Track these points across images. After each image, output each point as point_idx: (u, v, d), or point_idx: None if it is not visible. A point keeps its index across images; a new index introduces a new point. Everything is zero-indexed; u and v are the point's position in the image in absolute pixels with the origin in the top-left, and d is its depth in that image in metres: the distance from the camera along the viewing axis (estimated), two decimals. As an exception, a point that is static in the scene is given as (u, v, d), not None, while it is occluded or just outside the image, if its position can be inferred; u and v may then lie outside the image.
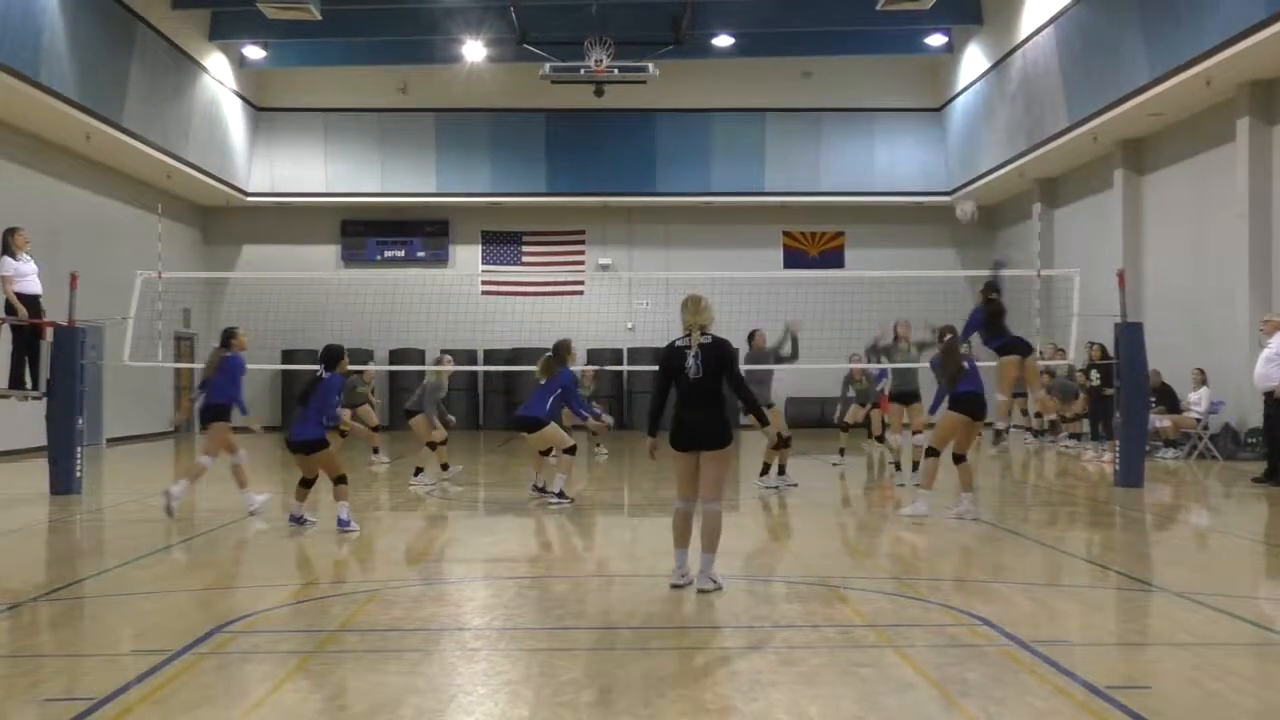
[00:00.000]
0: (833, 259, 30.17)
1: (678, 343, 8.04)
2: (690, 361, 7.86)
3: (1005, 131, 25.48)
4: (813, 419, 24.15)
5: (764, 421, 8.45)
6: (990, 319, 13.07)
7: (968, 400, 11.55)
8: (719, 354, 7.92)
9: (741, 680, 5.66)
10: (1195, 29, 17.47)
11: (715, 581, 7.82)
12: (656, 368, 8.36)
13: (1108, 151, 22.86)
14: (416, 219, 30.29)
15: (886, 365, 16.76)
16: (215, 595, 8.23)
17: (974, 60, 27.20)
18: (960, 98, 28.22)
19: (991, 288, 13.26)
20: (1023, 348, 13.31)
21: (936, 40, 27.52)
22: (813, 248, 30.50)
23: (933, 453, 11.72)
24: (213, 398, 11.97)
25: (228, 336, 12.38)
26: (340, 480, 10.80)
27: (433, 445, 15.64)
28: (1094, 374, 19.74)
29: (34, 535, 11.41)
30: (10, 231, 14.13)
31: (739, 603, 7.70)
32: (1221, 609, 7.28)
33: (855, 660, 6.05)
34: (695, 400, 7.91)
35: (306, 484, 11.11)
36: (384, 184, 29.38)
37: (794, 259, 30.16)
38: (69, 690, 5.62)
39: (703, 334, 7.95)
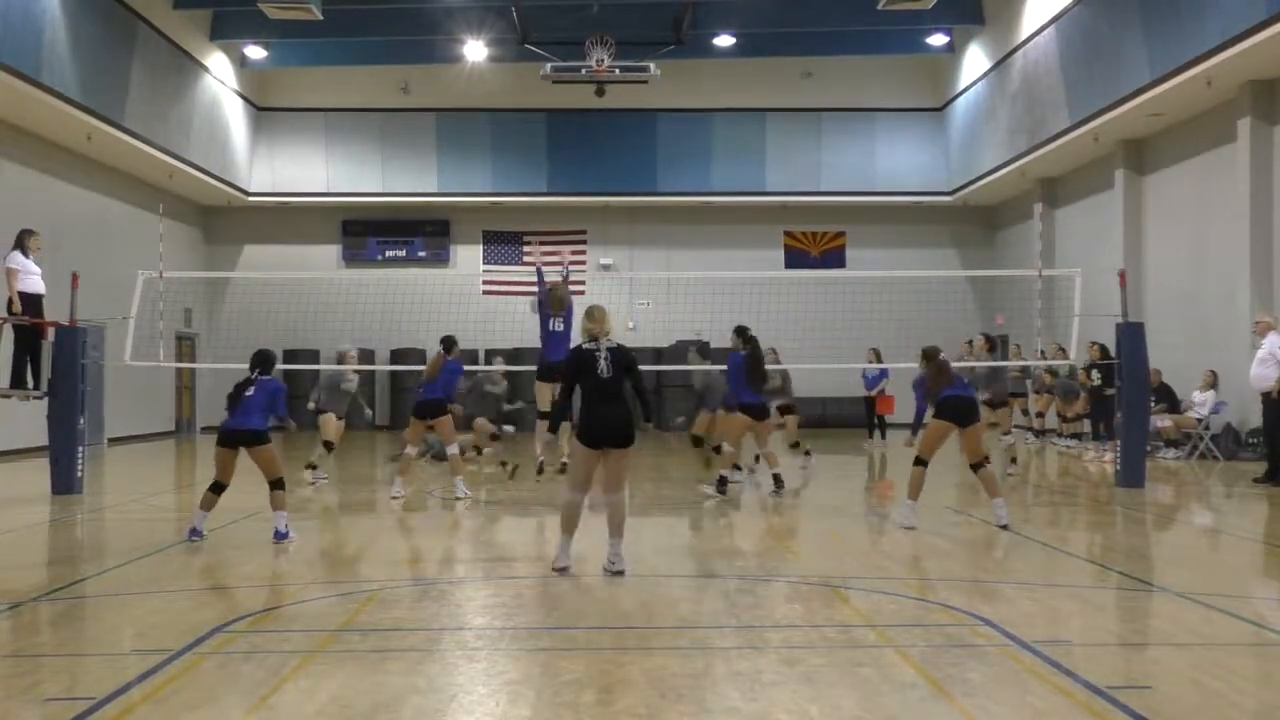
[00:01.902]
0: (834, 259, 30.16)
1: (585, 346, 8.78)
2: (602, 363, 8.62)
3: (1006, 131, 25.48)
4: (814, 419, 24.13)
5: (648, 418, 9.24)
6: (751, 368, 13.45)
7: (947, 404, 11.41)
8: (624, 357, 8.77)
9: (742, 680, 5.66)
10: (1196, 29, 17.47)
11: (622, 565, 8.54)
12: (566, 370, 9.02)
13: (1109, 152, 22.86)
14: (417, 219, 30.29)
15: (887, 366, 16.82)
16: (216, 595, 8.24)
17: (975, 60, 27.20)
18: (961, 97, 28.22)
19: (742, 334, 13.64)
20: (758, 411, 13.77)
21: (938, 40, 27.51)
22: (814, 248, 30.50)
23: (920, 462, 11.63)
24: (431, 394, 13.38)
25: (450, 344, 14.02)
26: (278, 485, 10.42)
27: (329, 446, 15.54)
28: (1095, 374, 19.74)
29: (35, 535, 11.42)
30: (26, 233, 14.33)
31: (739, 602, 7.71)
32: (1222, 609, 7.29)
33: (856, 660, 6.05)
34: (606, 398, 8.63)
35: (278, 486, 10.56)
36: (385, 184, 29.38)
37: (795, 259, 30.16)
38: (70, 690, 5.62)
39: (608, 340, 8.80)
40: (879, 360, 21.98)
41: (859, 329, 22.95)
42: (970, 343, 25.64)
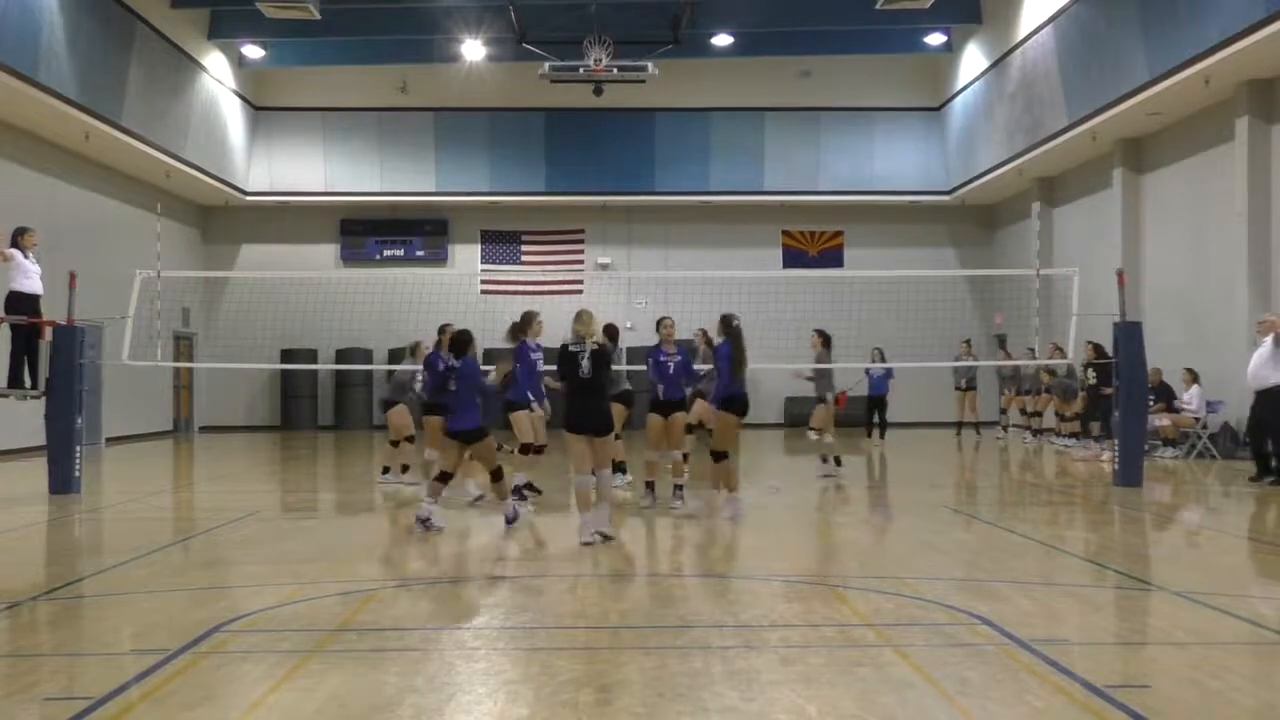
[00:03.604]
0: (832, 258, 30.17)
1: (570, 347, 9.88)
2: (584, 363, 9.79)
3: (1004, 130, 25.48)
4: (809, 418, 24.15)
5: (624, 403, 10.88)
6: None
7: (740, 401, 11.76)
8: (604, 358, 9.94)
9: (740, 679, 5.66)
10: (1194, 28, 17.48)
11: (610, 529, 9.86)
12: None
13: (1107, 150, 22.87)
14: (416, 218, 30.27)
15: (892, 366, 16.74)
16: (214, 594, 8.23)
17: (973, 59, 27.20)
18: (959, 97, 28.23)
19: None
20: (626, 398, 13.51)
21: (936, 39, 27.52)
22: (812, 247, 30.50)
23: (722, 456, 11.67)
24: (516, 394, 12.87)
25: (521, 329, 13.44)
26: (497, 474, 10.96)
27: (394, 443, 15.21)
28: (1091, 373, 19.77)
29: (33, 534, 11.41)
30: (20, 231, 14.28)
31: (738, 602, 7.71)
32: (1220, 608, 7.29)
33: (854, 659, 6.06)
34: (586, 392, 9.87)
35: (445, 477, 10.92)
36: (383, 183, 29.36)
37: (793, 258, 30.17)
38: (68, 689, 5.63)
39: (593, 341, 9.86)
40: (883, 360, 21.99)
41: (858, 329, 22.97)
42: (968, 342, 25.78)
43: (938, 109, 29.53)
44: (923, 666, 5.87)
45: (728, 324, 11.99)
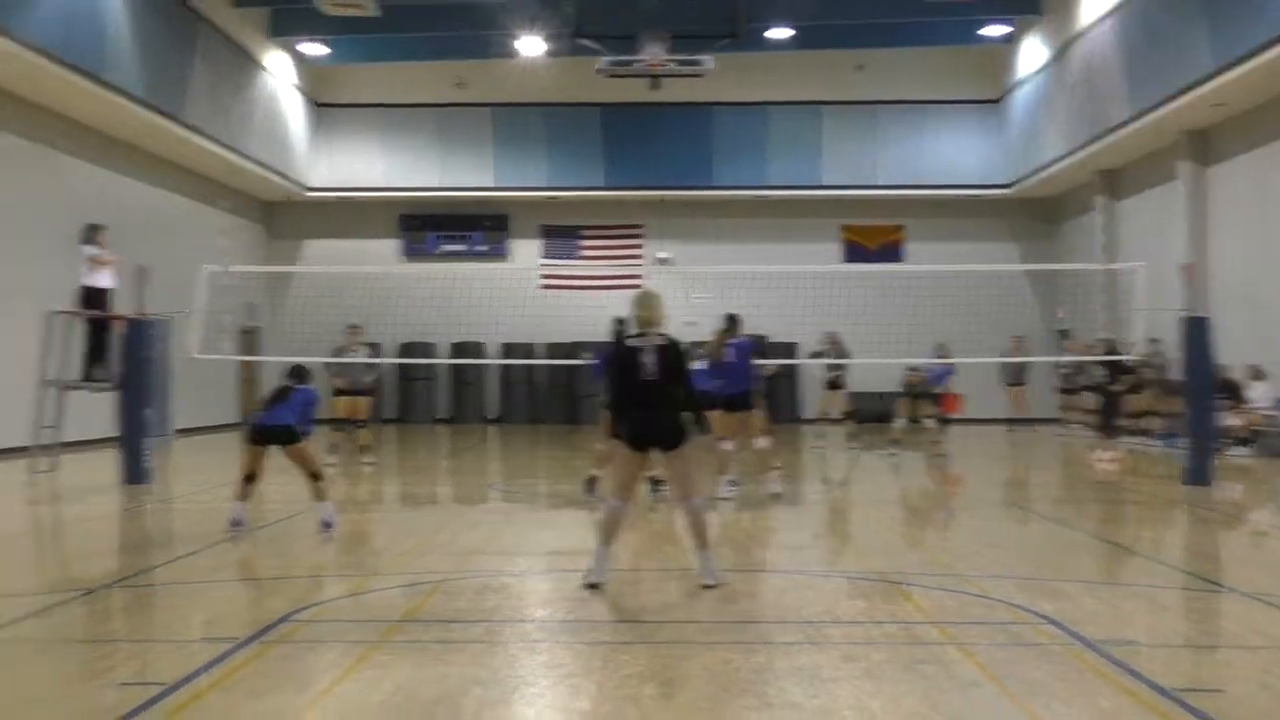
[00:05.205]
0: (892, 254, 29.98)
1: (629, 343, 7.85)
2: (647, 364, 7.71)
3: (1066, 123, 25.16)
4: (872, 413, 24.00)
5: (703, 431, 8.45)
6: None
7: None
8: (674, 358, 7.78)
9: (803, 675, 5.65)
10: (1260, 16, 17.12)
11: (717, 578, 7.72)
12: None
13: (1171, 142, 22.49)
14: (475, 213, 30.44)
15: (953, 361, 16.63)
16: (282, 584, 8.36)
17: (1033, 51, 26.89)
18: (1020, 89, 27.91)
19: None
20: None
21: (994, 31, 27.24)
22: (871, 242, 30.31)
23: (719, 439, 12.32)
24: (738, 386, 12.59)
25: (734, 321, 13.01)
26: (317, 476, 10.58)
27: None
28: (1098, 371, 19.58)
29: (107, 523, 11.64)
30: (94, 228, 14.62)
31: (799, 598, 7.70)
32: (1292, 609, 7.17)
33: (917, 657, 6.03)
34: (650, 400, 7.75)
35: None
36: (442, 178, 29.57)
37: (853, 253, 30.01)
38: (141, 675, 5.73)
39: (658, 334, 7.84)
40: (945, 355, 21.85)
41: (916, 324, 22.83)
42: (1019, 338, 25.51)
43: (997, 101, 29.22)
44: (988, 666, 5.83)
45: (735, 321, 12.35)
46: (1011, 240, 30.11)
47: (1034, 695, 5.33)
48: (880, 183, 29.24)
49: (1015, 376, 25.08)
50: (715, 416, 12.17)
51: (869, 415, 23.47)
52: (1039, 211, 30.00)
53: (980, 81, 29.50)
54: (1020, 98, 28.00)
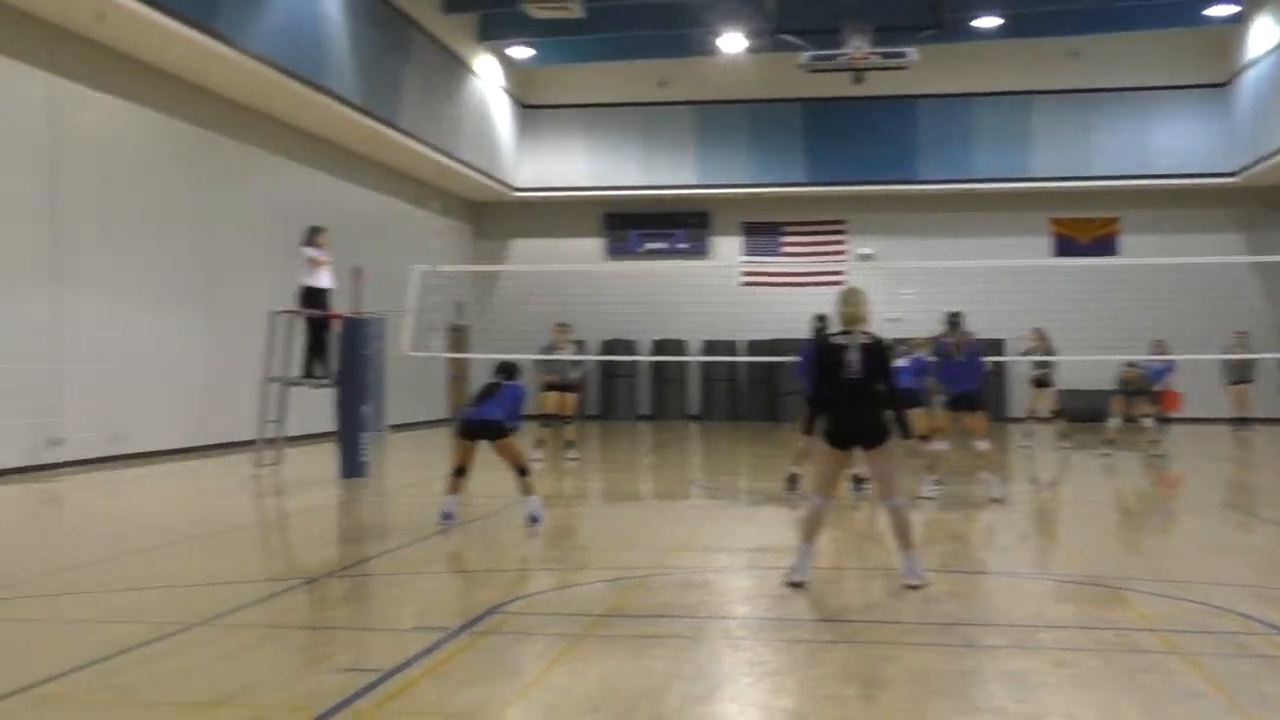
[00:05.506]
0: (1106, 246, 28.78)
1: (834, 340, 7.90)
2: (852, 361, 7.70)
3: (1300, 106, 23.66)
4: (1084, 412, 23.13)
5: (906, 435, 8.37)
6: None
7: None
8: (878, 357, 7.78)
9: (1012, 680, 5.49)
10: None
11: (920, 578, 7.61)
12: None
13: None
14: (677, 211, 30.63)
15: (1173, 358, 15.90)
16: (491, 577, 8.59)
17: (1265, 30, 25.36)
18: (1249, 71, 26.38)
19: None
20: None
21: (1221, 10, 25.81)
22: (1084, 234, 29.17)
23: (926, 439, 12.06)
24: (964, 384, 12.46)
25: (956, 319, 12.91)
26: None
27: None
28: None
29: (326, 515, 12.21)
30: (314, 230, 15.38)
31: (1007, 600, 7.49)
32: None
33: (1134, 665, 5.77)
34: (854, 399, 7.73)
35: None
36: (645, 177, 29.86)
37: (1063, 247, 28.93)
38: (359, 661, 5.96)
39: (863, 331, 7.82)
40: (1163, 352, 20.89)
41: (1132, 319, 21.88)
42: (1241, 334, 24.14)
43: (1223, 85, 27.69)
44: (1213, 677, 5.54)
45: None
46: (1235, 231, 28.48)
47: (1267, 710, 5.04)
48: (1094, 173, 28.12)
49: (1239, 374, 23.78)
50: (917, 415, 11.94)
51: (1078, 414, 22.59)
52: (1268, 199, 28.30)
53: (1205, 65, 28.00)
54: (1249, 80, 26.44)
